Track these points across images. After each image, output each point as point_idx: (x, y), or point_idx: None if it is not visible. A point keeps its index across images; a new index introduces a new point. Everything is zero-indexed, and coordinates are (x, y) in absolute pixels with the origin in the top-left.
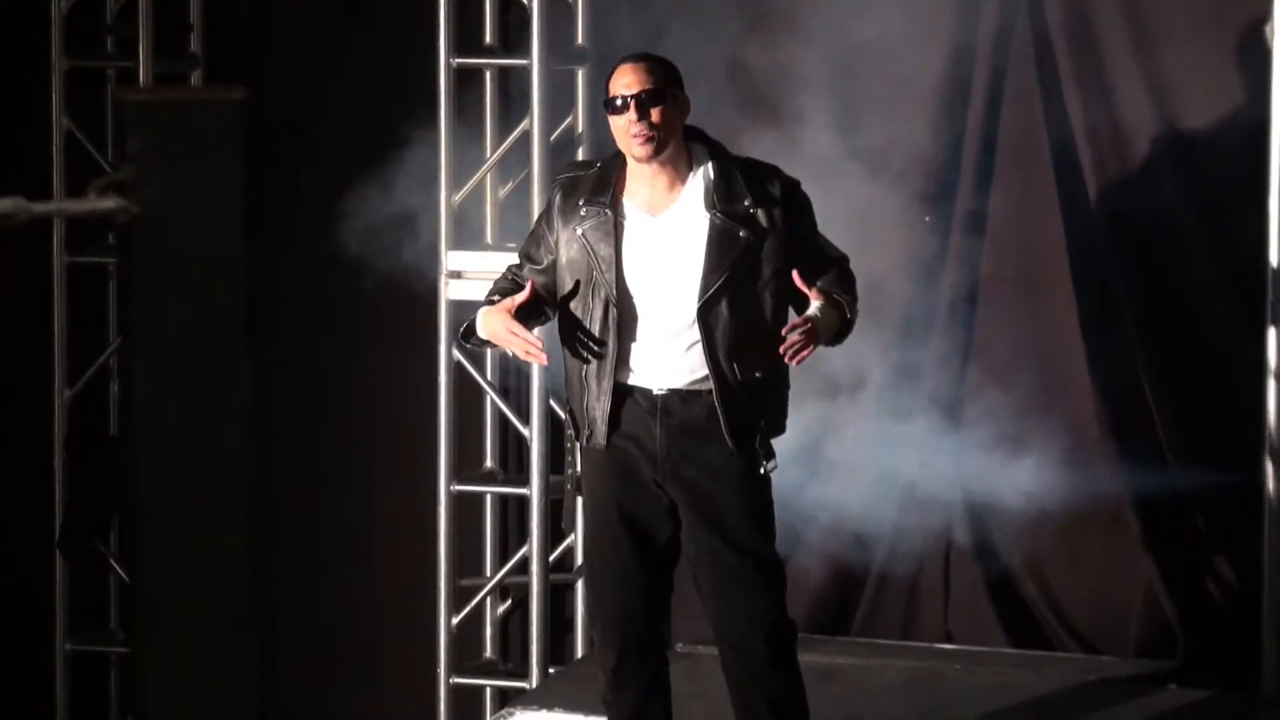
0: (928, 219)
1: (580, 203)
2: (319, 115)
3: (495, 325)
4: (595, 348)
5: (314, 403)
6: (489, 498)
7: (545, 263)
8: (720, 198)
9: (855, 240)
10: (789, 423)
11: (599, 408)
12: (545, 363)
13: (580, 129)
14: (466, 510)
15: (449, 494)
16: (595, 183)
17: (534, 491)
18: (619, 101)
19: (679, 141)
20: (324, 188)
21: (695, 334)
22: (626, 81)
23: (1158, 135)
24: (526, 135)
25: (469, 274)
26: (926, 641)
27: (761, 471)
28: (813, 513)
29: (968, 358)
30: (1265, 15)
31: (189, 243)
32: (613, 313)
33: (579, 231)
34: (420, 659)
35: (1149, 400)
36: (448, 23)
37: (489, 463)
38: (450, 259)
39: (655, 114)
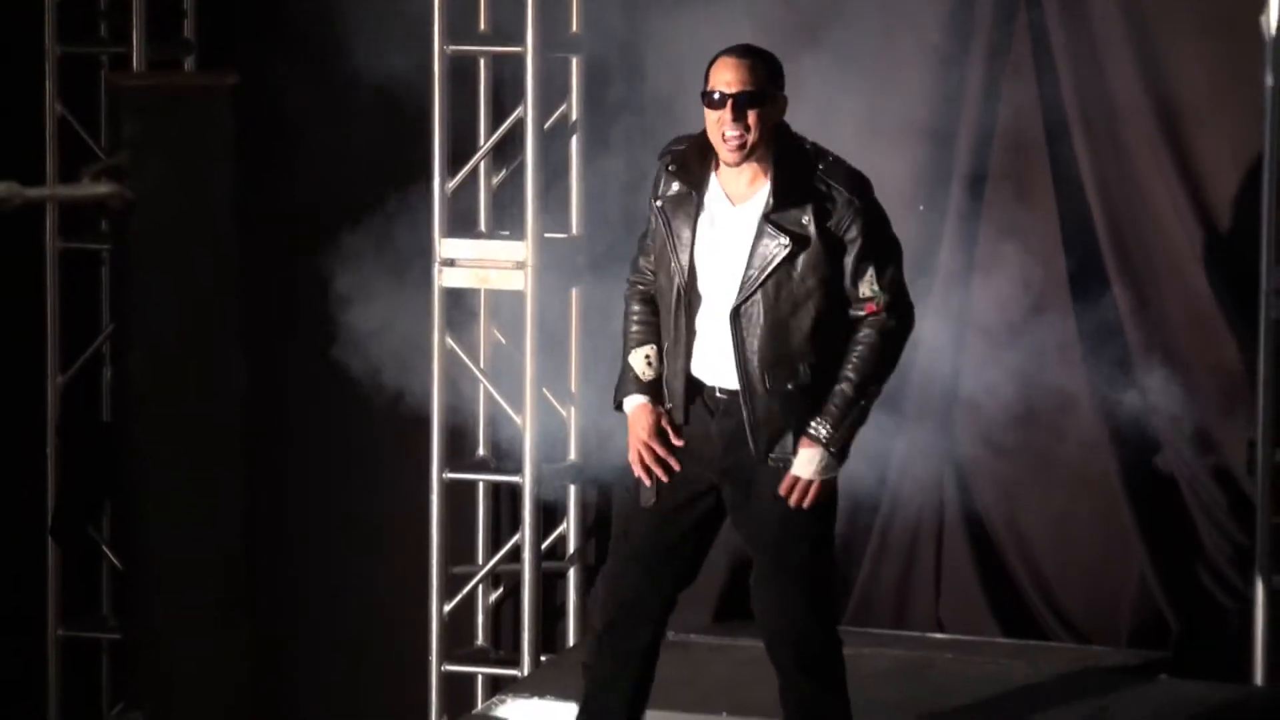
0: (922, 208)
1: (672, 173)
2: (312, 100)
3: (638, 429)
4: (671, 324)
5: (304, 391)
6: (481, 486)
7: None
8: (777, 204)
9: None
10: None
11: (676, 386)
12: (650, 483)
13: (574, 117)
14: (459, 498)
15: (441, 482)
16: (690, 156)
17: (526, 480)
18: (716, 96)
19: (768, 137)
20: (316, 173)
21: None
22: (727, 79)
23: (1149, 110)
24: (520, 123)
25: (462, 261)
26: (918, 631)
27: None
28: None
29: (958, 353)
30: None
31: (182, 227)
32: (682, 295)
33: (659, 204)
34: (412, 646)
35: (1142, 388)
36: (442, 10)
37: (481, 451)
38: (444, 247)
39: (751, 116)
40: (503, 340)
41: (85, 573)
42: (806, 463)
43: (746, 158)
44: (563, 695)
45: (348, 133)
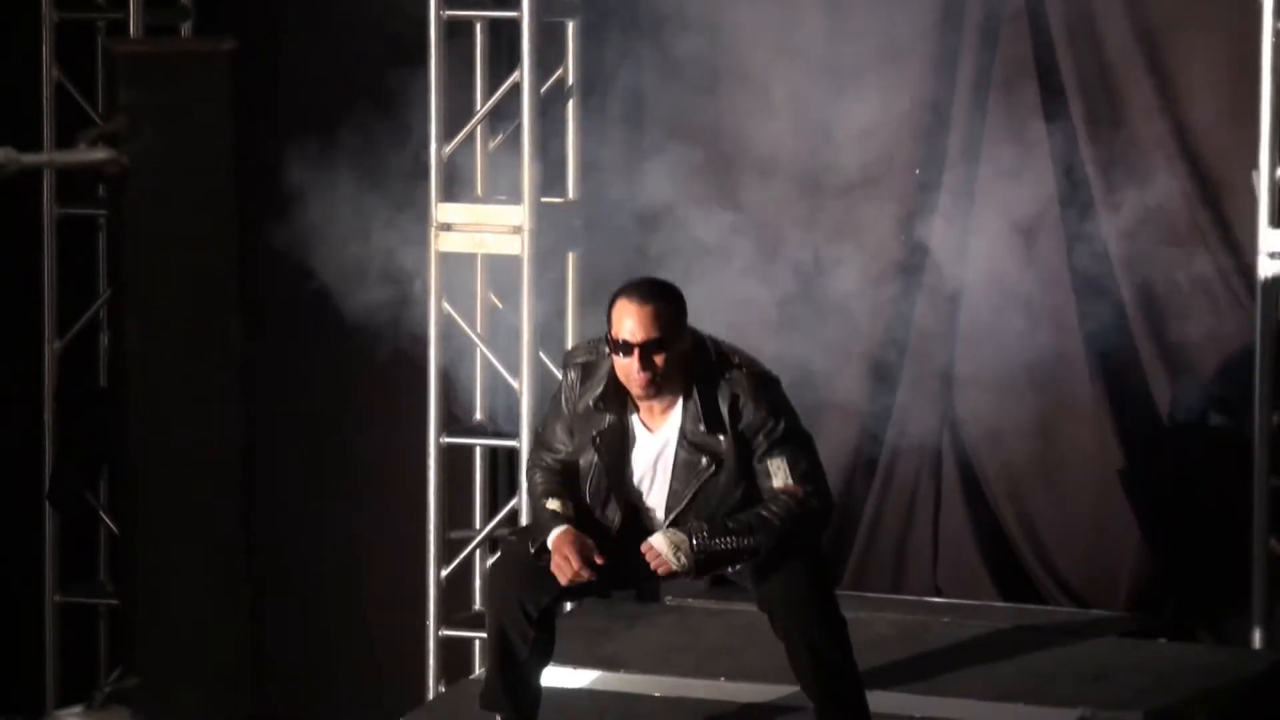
0: (917, 171)
1: (594, 402)
2: (309, 66)
3: (566, 549)
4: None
5: (301, 355)
6: (478, 450)
7: (566, 449)
8: (692, 430)
9: (843, 188)
10: None
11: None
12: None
13: (570, 81)
14: (455, 463)
15: (438, 446)
16: (609, 383)
17: (523, 444)
18: (622, 343)
19: (677, 369)
20: (312, 140)
21: None
22: (632, 328)
23: (1147, 83)
24: (517, 87)
25: (459, 226)
26: (916, 595)
27: None
28: None
29: (955, 315)
30: None
31: (179, 194)
32: (617, 518)
33: (593, 433)
34: (409, 611)
35: (1140, 350)
36: None
37: (478, 415)
38: (440, 211)
39: (659, 360)
40: (499, 305)
41: (82, 538)
42: (666, 541)
43: (657, 395)
44: (558, 660)
45: (344, 96)
